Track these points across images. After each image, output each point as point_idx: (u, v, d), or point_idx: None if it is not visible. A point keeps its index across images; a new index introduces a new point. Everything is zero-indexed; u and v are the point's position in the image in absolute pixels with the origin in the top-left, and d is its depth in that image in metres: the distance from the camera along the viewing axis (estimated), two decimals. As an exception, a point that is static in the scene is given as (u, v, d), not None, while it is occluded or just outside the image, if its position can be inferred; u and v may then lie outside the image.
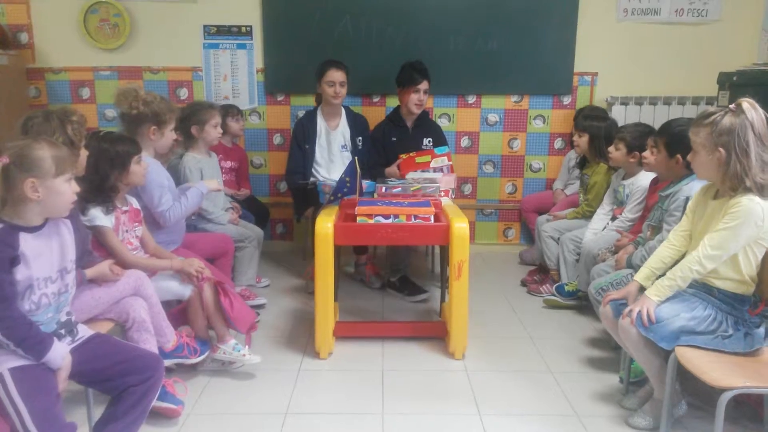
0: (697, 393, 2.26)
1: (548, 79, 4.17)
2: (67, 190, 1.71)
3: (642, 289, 2.15)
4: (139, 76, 4.17)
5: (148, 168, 2.56)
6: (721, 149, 1.94)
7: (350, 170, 2.95)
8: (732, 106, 1.96)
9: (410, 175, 3.39)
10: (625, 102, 4.11)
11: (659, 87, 4.14)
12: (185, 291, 2.44)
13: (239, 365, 2.54)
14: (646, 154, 2.74)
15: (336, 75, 3.51)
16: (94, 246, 2.27)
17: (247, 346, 2.55)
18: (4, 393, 1.58)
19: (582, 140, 3.47)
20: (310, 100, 3.83)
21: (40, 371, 1.65)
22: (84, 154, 2.16)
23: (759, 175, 1.92)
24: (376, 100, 4.25)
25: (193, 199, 2.77)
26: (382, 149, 3.73)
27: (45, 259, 1.70)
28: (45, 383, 1.64)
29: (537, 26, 4.07)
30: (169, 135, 2.74)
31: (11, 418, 1.57)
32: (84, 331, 1.87)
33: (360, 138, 3.71)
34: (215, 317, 2.49)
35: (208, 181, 2.90)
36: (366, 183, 3.18)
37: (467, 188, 4.38)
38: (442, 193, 3.18)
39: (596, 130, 3.40)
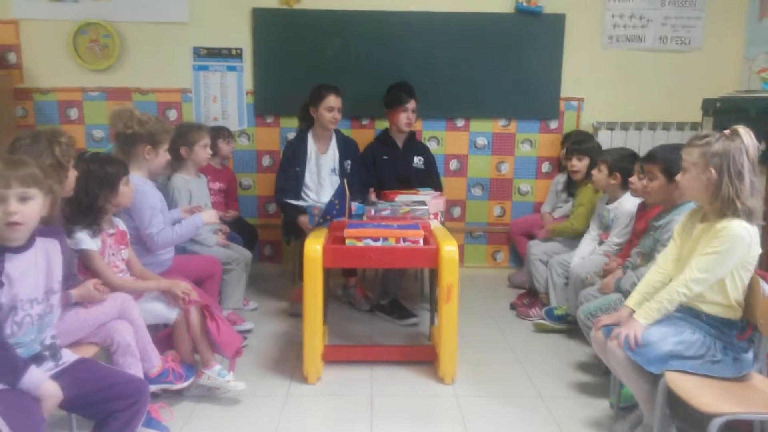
0: (687, 418, 2.25)
1: (535, 104, 4.22)
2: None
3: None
4: (128, 97, 4.17)
5: (140, 189, 2.55)
6: (712, 170, 1.96)
7: (339, 193, 2.95)
8: (727, 131, 1.99)
9: (400, 198, 3.39)
10: (611, 127, 4.17)
11: (644, 112, 4.21)
12: (171, 314, 2.40)
13: (224, 391, 2.50)
14: (633, 179, 2.77)
15: (336, 101, 3.53)
16: (79, 269, 2.24)
17: (231, 372, 2.51)
18: None
19: (582, 164, 3.47)
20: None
21: (22, 395, 1.61)
22: (73, 175, 2.14)
23: (749, 200, 1.95)
24: (365, 123, 4.27)
25: (188, 229, 2.75)
26: (373, 168, 3.75)
27: (30, 279, 1.68)
28: (28, 407, 1.60)
29: (524, 52, 4.14)
30: (164, 155, 2.73)
31: None
32: (68, 356, 1.84)
33: (348, 161, 3.72)
34: (201, 341, 2.45)
35: (206, 213, 2.86)
36: (355, 205, 3.17)
37: (456, 211, 4.40)
38: (431, 216, 3.18)
39: (596, 153, 3.40)
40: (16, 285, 1.63)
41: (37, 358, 1.71)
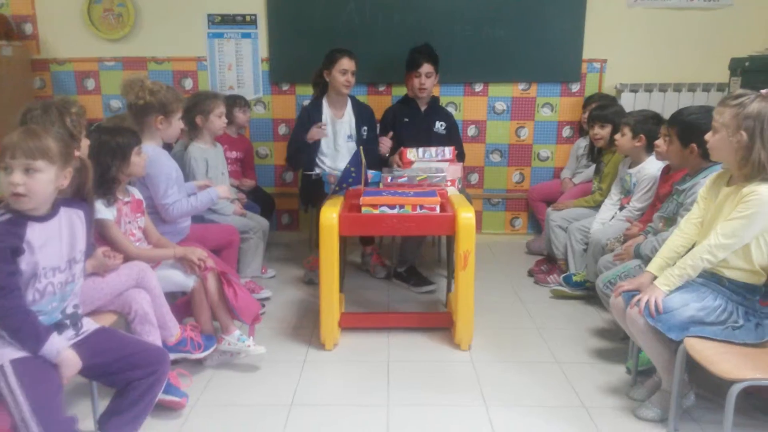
0: (706, 384, 2.23)
1: (556, 67, 4.11)
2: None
3: (655, 280, 2.12)
4: (144, 67, 4.16)
5: (156, 158, 2.55)
6: (743, 132, 1.89)
7: (355, 160, 2.93)
8: (764, 91, 1.90)
9: (417, 165, 3.36)
10: (634, 89, 4.05)
11: (669, 73, 4.08)
12: (188, 282, 2.43)
13: (245, 356, 2.53)
14: (659, 142, 2.70)
15: (349, 64, 3.48)
16: (96, 239, 2.25)
17: (251, 337, 2.54)
18: (4, 384, 1.57)
19: (605, 131, 3.37)
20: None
21: (41, 363, 1.64)
22: (86, 144, 2.15)
23: None
24: (381, 89, 4.21)
25: (203, 202, 2.76)
26: (393, 130, 3.70)
27: (53, 248, 1.69)
28: (46, 376, 1.63)
29: (545, 12, 4.01)
30: (177, 124, 2.72)
31: (11, 410, 1.56)
32: (89, 325, 1.86)
33: (365, 128, 3.68)
34: (219, 308, 2.48)
35: (221, 188, 2.87)
36: (371, 173, 3.15)
37: (474, 177, 4.34)
38: (449, 183, 3.14)
39: (619, 118, 3.30)
40: (38, 253, 1.64)
41: (59, 326, 1.73)
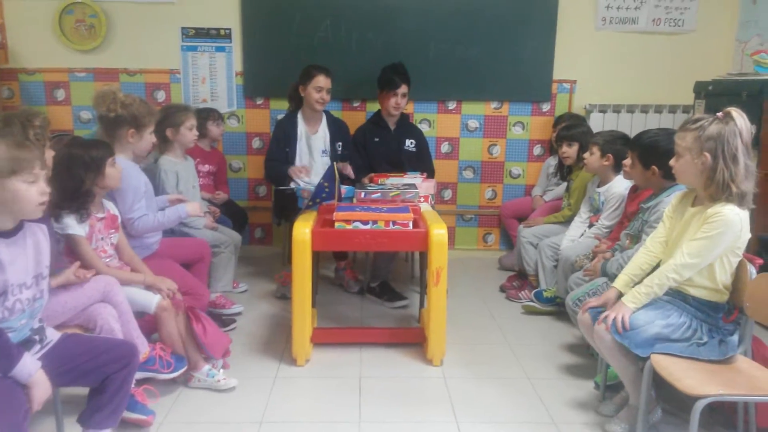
0: (672, 399, 2.28)
1: (528, 86, 4.19)
2: (25, 190, 1.63)
3: (621, 297, 2.16)
4: (116, 78, 4.11)
5: (125, 172, 2.50)
6: (706, 154, 1.95)
7: (329, 175, 2.93)
8: (720, 114, 1.97)
9: (390, 181, 3.37)
10: (603, 110, 4.15)
11: (637, 95, 4.19)
12: (150, 303, 2.32)
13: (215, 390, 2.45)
14: (627, 162, 2.76)
15: (325, 81, 3.51)
16: (66, 253, 2.21)
17: (222, 370, 2.48)
18: None
19: (572, 150, 3.44)
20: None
21: (10, 385, 1.60)
22: (50, 155, 2.11)
23: (744, 183, 1.94)
24: (356, 105, 4.24)
25: (170, 218, 2.70)
26: (364, 151, 3.72)
27: (20, 264, 1.66)
28: (14, 398, 1.59)
29: (517, 34, 4.10)
30: (148, 138, 2.68)
31: None
32: (52, 335, 1.84)
33: (340, 143, 3.69)
34: (188, 344, 2.41)
35: (190, 205, 2.81)
36: (345, 188, 3.16)
37: (447, 194, 4.38)
38: (422, 199, 3.17)
39: (585, 137, 3.38)
40: (7, 271, 1.62)
41: (28, 342, 1.71)
